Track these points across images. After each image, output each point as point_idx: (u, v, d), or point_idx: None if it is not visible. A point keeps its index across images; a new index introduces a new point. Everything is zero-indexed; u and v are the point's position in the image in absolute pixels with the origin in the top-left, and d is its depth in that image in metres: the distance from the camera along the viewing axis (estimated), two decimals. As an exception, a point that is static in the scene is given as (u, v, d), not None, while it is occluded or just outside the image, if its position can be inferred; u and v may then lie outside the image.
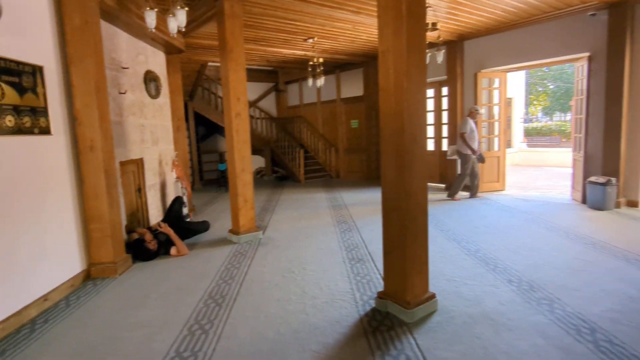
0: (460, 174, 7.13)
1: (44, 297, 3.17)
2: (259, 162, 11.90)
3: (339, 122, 10.94)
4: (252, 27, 6.33)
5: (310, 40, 7.25)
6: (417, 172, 2.65)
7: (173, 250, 4.42)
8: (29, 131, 3.08)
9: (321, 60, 7.38)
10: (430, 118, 8.89)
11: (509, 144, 12.80)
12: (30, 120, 3.11)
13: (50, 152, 3.37)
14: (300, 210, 6.67)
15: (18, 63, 3.00)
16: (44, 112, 3.27)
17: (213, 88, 10.56)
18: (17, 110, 2.96)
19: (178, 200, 5.37)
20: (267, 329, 2.65)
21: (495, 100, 7.79)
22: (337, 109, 10.95)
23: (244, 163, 4.87)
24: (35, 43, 3.23)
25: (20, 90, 3.02)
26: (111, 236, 3.85)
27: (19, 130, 2.97)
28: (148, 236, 4.33)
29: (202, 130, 11.37)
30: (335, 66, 10.40)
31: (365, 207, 6.73)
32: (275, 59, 9.20)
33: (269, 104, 12.71)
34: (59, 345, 2.59)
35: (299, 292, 3.24)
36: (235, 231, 4.93)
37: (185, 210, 5.90)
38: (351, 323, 2.68)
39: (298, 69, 11.22)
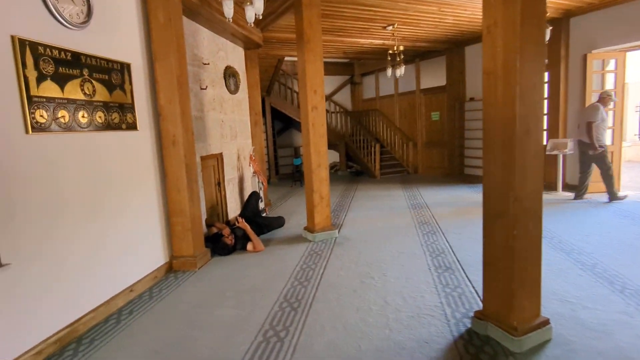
0: (602, 172, 5.94)
1: (130, 288, 3.27)
2: (333, 156, 11.75)
3: (417, 115, 10.32)
4: (329, 17, 6.09)
5: (390, 28, 6.81)
6: (531, 173, 2.18)
7: (249, 246, 4.38)
8: (117, 127, 3.18)
9: (401, 48, 6.90)
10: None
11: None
12: (119, 116, 3.20)
13: (137, 147, 3.46)
14: (378, 209, 6.32)
15: (108, 61, 3.09)
16: (131, 108, 3.36)
17: (289, 83, 10.60)
18: (106, 106, 3.05)
19: (255, 195, 5.36)
20: (346, 343, 2.40)
21: (609, 85, 6.64)
22: (416, 101, 10.33)
23: (320, 158, 4.67)
24: (123, 41, 3.31)
25: (110, 87, 3.11)
26: (192, 230, 3.89)
27: (108, 126, 3.07)
28: (226, 231, 4.34)
29: (278, 124, 11.51)
30: (415, 55, 9.79)
31: (448, 207, 6.17)
32: (352, 50, 8.89)
33: (344, 98, 12.47)
34: (139, 339, 2.60)
35: (380, 302, 2.94)
36: (310, 229, 4.77)
37: (261, 205, 5.91)
38: (443, 346, 2.31)
39: (375, 60, 10.80)
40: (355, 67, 12.07)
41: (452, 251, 4.03)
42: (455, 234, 4.61)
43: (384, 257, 3.94)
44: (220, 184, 5.39)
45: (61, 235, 2.60)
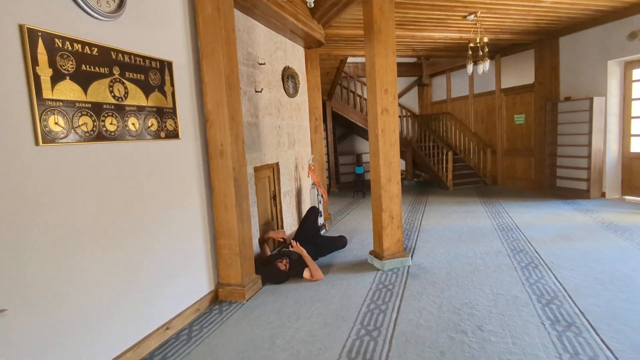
0: None
1: (166, 326, 2.76)
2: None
3: (497, 118, 9.09)
4: (399, 7, 5.32)
5: (472, 17, 5.86)
6: None
7: (306, 273, 3.73)
8: (154, 135, 2.70)
9: (485, 39, 5.92)
10: (615, 109, 6.48)
11: None
12: (157, 122, 2.72)
13: (178, 158, 2.97)
14: (455, 229, 5.38)
15: (145, 58, 2.63)
16: (172, 113, 2.88)
17: (352, 86, 9.93)
18: (141, 111, 2.58)
19: (313, 211, 4.73)
20: None
21: None
22: (496, 102, 9.11)
23: (391, 171, 3.91)
24: (164, 35, 2.85)
25: (146, 88, 2.64)
26: (240, 254, 3.34)
27: (143, 135, 2.59)
28: (283, 263, 3.73)
29: (339, 130, 10.88)
30: (494, 51, 8.61)
31: (546, 230, 5.05)
32: (422, 46, 7.99)
33: (410, 100, 11.53)
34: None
35: (482, 377, 2.11)
36: (377, 254, 4.02)
37: (320, 220, 5.27)
38: None
39: (447, 59, 9.77)
40: (423, 67, 11.09)
41: (569, 296, 3.04)
42: (567, 270, 3.58)
43: (476, 301, 3.06)
44: (275, 197, 4.84)
45: (78, 268, 2.13)
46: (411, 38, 6.96)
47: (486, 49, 6.11)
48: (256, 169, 4.29)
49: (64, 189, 2.06)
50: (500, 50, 8.62)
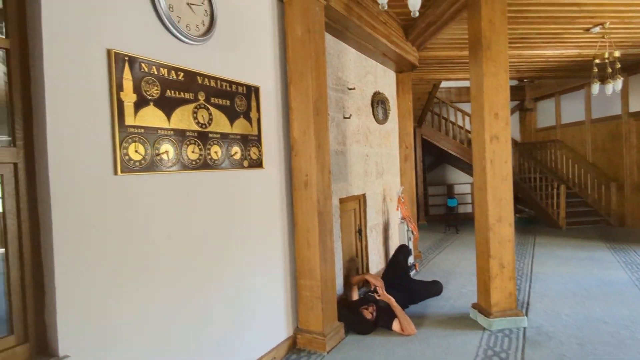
0: None
1: (238, 376, 2.47)
2: (497, 197, 9.70)
3: (625, 147, 7.65)
4: (508, 23, 4.70)
5: (597, 29, 4.98)
6: None
7: (395, 326, 3.21)
8: (237, 164, 2.51)
9: (617, 54, 4.97)
10: None
11: None
12: (240, 151, 2.54)
13: (261, 189, 2.75)
14: (579, 280, 4.39)
15: (232, 83, 2.48)
16: (256, 140, 2.69)
17: (444, 112, 9.27)
18: (225, 139, 2.42)
19: (403, 250, 4.21)
20: None
21: None
22: (622, 128, 7.70)
23: (501, 209, 3.26)
24: (252, 59, 2.70)
25: (231, 115, 2.48)
26: (322, 298, 2.96)
27: (225, 164, 2.41)
28: (369, 310, 3.27)
29: (429, 158, 10.18)
30: (621, 68, 7.33)
31: None
32: (529, 67, 7.12)
33: (511, 127, 10.39)
34: None
35: None
36: (483, 309, 3.33)
37: (410, 259, 4.70)
38: None
39: (557, 80, 8.64)
40: (526, 90, 10.00)
41: None
42: None
43: (632, 392, 2.26)
44: (361, 231, 4.43)
45: (146, 307, 1.93)
46: (517, 57, 6.20)
47: (618, 65, 5.13)
48: (341, 201, 3.95)
49: (138, 222, 1.90)
50: (628, 67, 7.32)
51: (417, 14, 2.34)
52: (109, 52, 1.78)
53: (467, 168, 9.45)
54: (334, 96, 3.81)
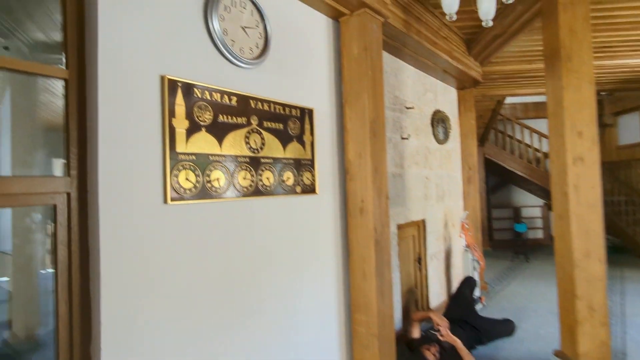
0: None
1: (288, 420, 2.27)
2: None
3: None
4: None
5: (697, 33, 4.33)
6: None
7: (463, 371, 2.85)
8: (289, 190, 2.38)
9: None
10: None
11: None
12: (293, 176, 2.41)
13: (314, 216, 2.60)
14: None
15: (285, 106, 2.39)
16: (309, 165, 2.55)
17: (509, 130, 8.63)
18: (277, 164, 2.31)
19: (469, 283, 3.82)
20: None
21: None
22: None
23: (589, 242, 2.81)
24: (306, 81, 2.60)
25: (284, 139, 2.37)
26: (378, 336, 2.70)
27: (277, 190, 2.30)
28: (432, 351, 2.95)
29: (493, 179, 9.50)
30: None
31: None
32: (611, 78, 6.41)
33: (588, 145, 9.42)
34: None
35: None
36: (569, 359, 2.86)
37: (476, 292, 4.26)
38: None
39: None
40: (605, 104, 9.04)
41: None
42: None
43: None
44: (420, 259, 4.11)
45: (190, 347, 1.82)
46: (597, 68, 5.59)
47: None
48: (400, 227, 3.69)
49: (188, 251, 1.82)
50: None
51: (490, 24, 2.10)
52: (162, 78, 1.75)
53: (537, 190, 8.67)
54: (391, 116, 3.61)
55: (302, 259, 2.48)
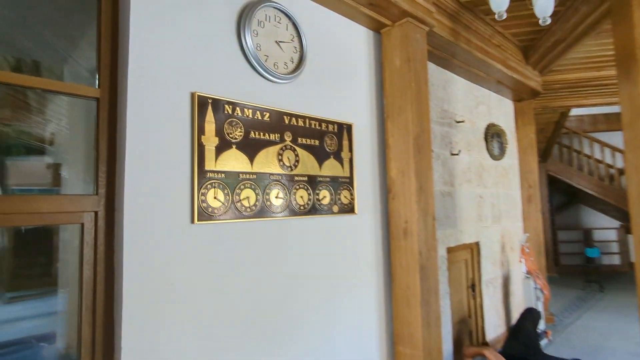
0: None
1: None
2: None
3: None
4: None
5: None
6: None
7: (525, 420, 2.48)
8: (325, 210, 2.25)
9: None
10: None
11: None
12: (329, 195, 2.28)
13: (353, 238, 2.43)
14: None
15: (321, 121, 2.28)
16: (348, 183, 2.41)
17: (576, 144, 7.90)
18: (312, 182, 2.19)
19: (530, 316, 3.40)
20: None
21: None
22: None
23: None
24: (345, 94, 2.49)
25: (320, 156, 2.26)
26: (424, 372, 2.45)
27: (312, 209, 2.17)
28: None
29: (558, 198, 8.71)
30: None
31: None
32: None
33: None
34: None
35: None
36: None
37: (541, 325, 3.80)
38: None
39: None
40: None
41: None
42: None
43: None
44: (474, 286, 3.75)
45: (220, 377, 1.72)
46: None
47: None
48: (449, 250, 3.40)
49: (215, 274, 1.74)
50: None
51: (548, 21, 1.87)
52: (192, 95, 1.72)
53: (612, 210, 7.79)
54: (438, 131, 3.38)
55: (340, 285, 2.31)
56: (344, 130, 2.41)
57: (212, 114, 1.77)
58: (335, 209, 2.31)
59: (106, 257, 1.53)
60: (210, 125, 1.76)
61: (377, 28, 2.73)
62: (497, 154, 4.27)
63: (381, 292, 2.58)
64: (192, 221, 1.67)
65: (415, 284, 2.50)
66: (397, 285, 2.59)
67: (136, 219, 1.51)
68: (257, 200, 1.91)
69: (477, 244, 3.82)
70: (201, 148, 1.72)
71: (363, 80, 2.64)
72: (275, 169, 2.02)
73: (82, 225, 1.50)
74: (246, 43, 1.92)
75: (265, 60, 2.00)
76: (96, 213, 1.53)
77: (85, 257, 1.50)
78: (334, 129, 2.35)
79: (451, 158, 3.53)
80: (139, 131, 1.55)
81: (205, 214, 1.71)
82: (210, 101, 1.77)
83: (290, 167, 2.09)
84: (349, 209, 2.40)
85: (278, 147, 2.04)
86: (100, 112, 1.57)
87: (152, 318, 1.52)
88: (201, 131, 1.73)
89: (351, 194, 2.42)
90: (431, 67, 3.37)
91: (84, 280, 1.48)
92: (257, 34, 1.98)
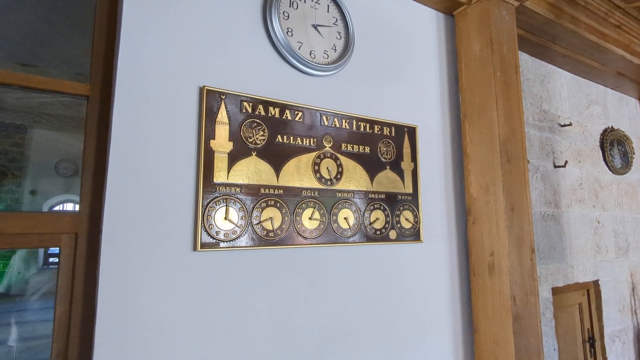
0: None
1: None
2: None
3: None
4: None
5: None
6: None
7: None
8: (379, 236, 1.74)
9: None
10: None
11: None
12: (384, 216, 1.77)
13: (417, 273, 1.87)
14: None
15: (374, 123, 1.81)
16: (410, 201, 1.87)
17: None
18: (359, 199, 1.71)
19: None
20: None
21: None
22: None
23: None
24: (405, 90, 1.98)
25: (372, 166, 1.77)
26: None
27: (360, 235, 1.68)
28: None
29: None
30: None
31: None
32: None
33: None
34: None
35: None
36: None
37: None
38: None
39: None
40: None
41: None
42: None
43: None
44: (593, 340, 2.84)
45: None
46: None
47: None
48: (555, 292, 2.60)
49: (220, 320, 1.34)
50: None
51: None
52: (200, 90, 1.39)
53: None
54: (536, 136, 2.67)
55: (399, 336, 1.75)
56: (404, 134, 1.90)
57: (225, 113, 1.42)
58: (393, 235, 1.79)
59: (85, 290, 1.23)
60: (222, 127, 1.41)
61: (448, 9, 2.20)
62: (620, 167, 3.32)
63: (459, 349, 1.95)
64: (194, 248, 1.31)
65: (508, 340, 1.83)
66: (482, 340, 1.93)
67: (117, 245, 1.19)
68: (283, 222, 1.49)
69: (595, 283, 2.92)
70: (209, 155, 1.37)
71: (431, 72, 2.11)
72: (310, 182, 1.58)
73: (60, 249, 1.22)
74: (273, 27, 1.55)
75: (299, 48, 1.61)
76: (76, 235, 1.24)
77: (60, 290, 1.20)
78: (390, 132, 1.85)
79: (555, 171, 2.75)
80: (127, 134, 1.24)
81: (212, 239, 1.33)
82: (224, 97, 1.42)
83: (331, 180, 1.64)
84: (412, 235, 1.85)
85: (314, 154, 1.61)
86: (90, 112, 1.30)
87: (134, 375, 1.17)
88: (210, 134, 1.38)
89: (415, 216, 1.87)
90: (524, 57, 2.70)
91: (57, 319, 1.19)
92: (287, 16, 1.61)
